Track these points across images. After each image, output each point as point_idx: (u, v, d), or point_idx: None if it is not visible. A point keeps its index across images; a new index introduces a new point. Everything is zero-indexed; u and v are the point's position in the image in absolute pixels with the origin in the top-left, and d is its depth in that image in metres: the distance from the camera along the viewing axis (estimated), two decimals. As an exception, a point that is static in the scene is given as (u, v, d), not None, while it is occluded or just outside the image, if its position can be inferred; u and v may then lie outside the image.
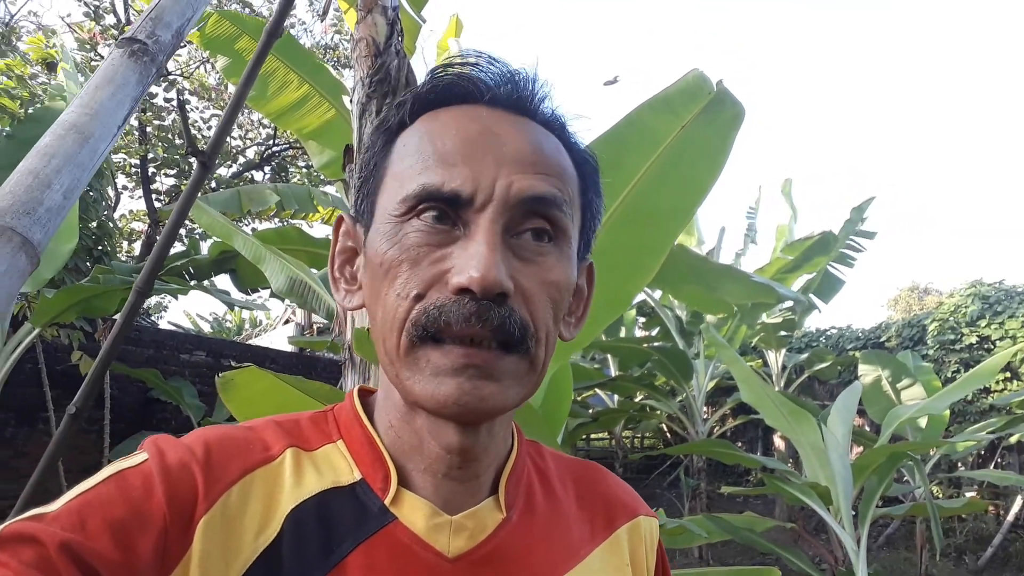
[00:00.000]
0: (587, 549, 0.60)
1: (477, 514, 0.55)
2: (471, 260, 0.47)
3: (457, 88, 0.54)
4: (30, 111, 4.59)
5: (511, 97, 0.54)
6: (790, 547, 3.66)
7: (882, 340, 8.82)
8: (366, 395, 0.61)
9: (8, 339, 4.50)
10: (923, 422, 5.33)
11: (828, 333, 9.94)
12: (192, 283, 4.90)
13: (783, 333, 8.03)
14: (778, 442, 9.87)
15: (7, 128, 4.54)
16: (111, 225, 5.85)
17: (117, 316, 1.84)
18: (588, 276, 0.63)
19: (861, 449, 6.59)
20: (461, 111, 0.54)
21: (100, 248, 5.46)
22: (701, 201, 1.82)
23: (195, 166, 1.81)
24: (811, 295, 7.25)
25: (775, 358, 8.50)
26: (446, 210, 0.50)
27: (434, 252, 0.50)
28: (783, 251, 6.97)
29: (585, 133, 0.59)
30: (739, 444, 10.42)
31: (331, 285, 0.61)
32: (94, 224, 5.41)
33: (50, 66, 6.40)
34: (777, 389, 8.12)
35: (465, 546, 0.53)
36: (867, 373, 5.94)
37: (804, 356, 8.62)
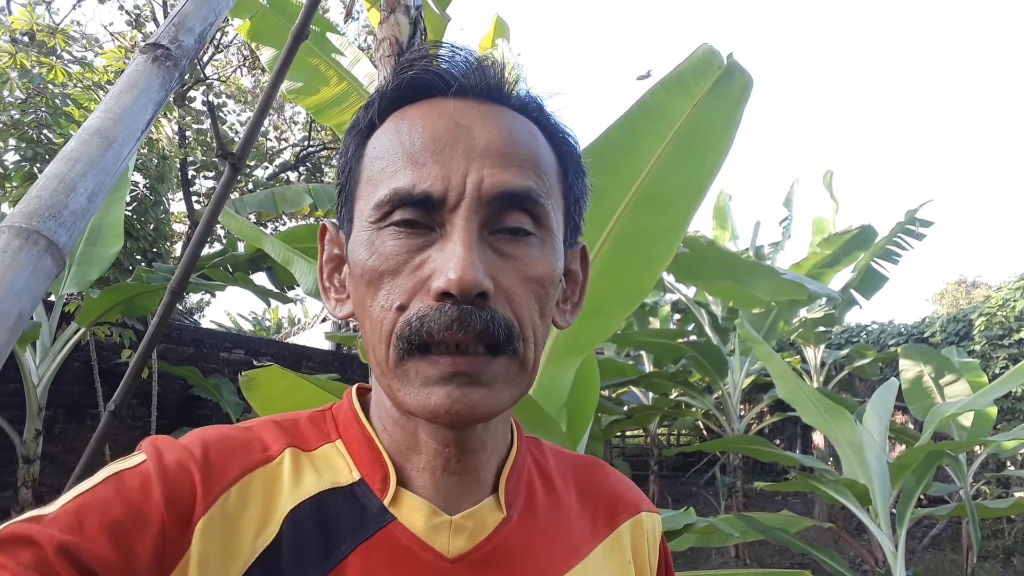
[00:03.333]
0: (589, 547, 0.59)
1: (477, 514, 0.54)
2: (448, 262, 0.46)
3: (422, 82, 0.52)
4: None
5: (479, 85, 0.52)
6: (827, 548, 3.58)
7: (926, 335, 8.58)
8: (364, 393, 0.60)
9: (56, 338, 4.67)
10: (968, 419, 5.16)
11: (869, 328, 9.71)
12: (235, 274, 4.98)
13: (822, 329, 7.86)
14: (817, 440, 9.68)
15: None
16: (167, 228, 6.02)
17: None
18: (582, 260, 0.61)
19: (904, 448, 6.42)
20: (428, 106, 0.52)
21: (155, 250, 5.63)
22: (712, 180, 1.76)
23: (225, 167, 1.85)
24: (852, 291, 7.09)
25: (814, 354, 8.33)
26: (420, 212, 0.49)
27: (413, 259, 0.49)
28: (820, 245, 6.83)
29: (564, 111, 0.57)
30: (777, 442, 10.24)
31: (322, 295, 0.59)
32: (152, 227, 5.58)
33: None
34: (815, 386, 7.97)
35: (465, 546, 0.52)
36: (908, 368, 5.77)
37: (844, 352, 8.43)
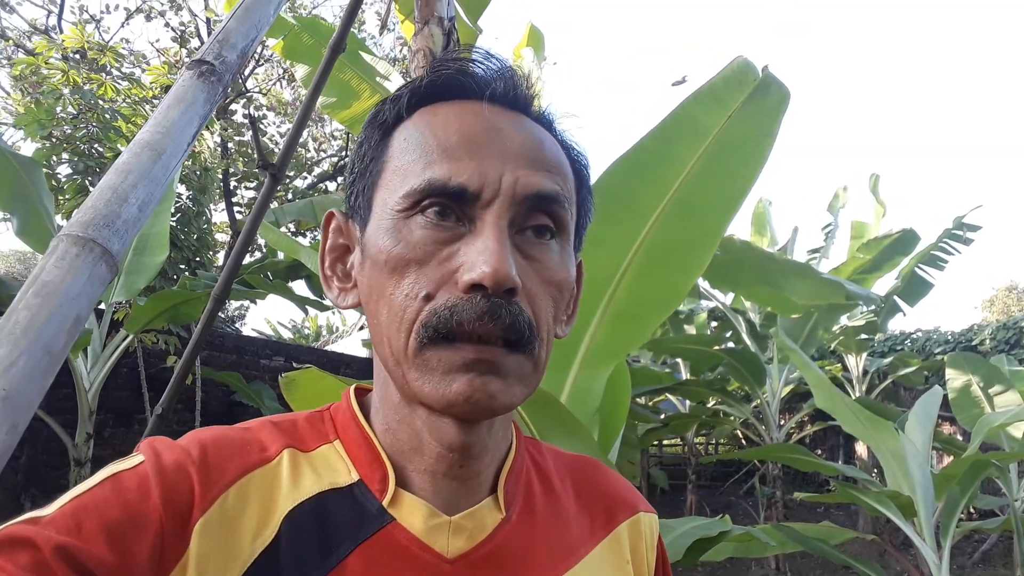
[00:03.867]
0: (587, 547, 0.60)
1: (476, 514, 0.54)
2: (481, 255, 0.47)
3: (456, 83, 0.54)
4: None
5: (508, 94, 0.54)
6: (871, 561, 3.50)
7: (974, 343, 8.31)
8: (362, 393, 0.60)
9: (106, 344, 4.84)
10: (1019, 430, 4.97)
11: (914, 336, 9.46)
12: (273, 281, 5.09)
13: (864, 336, 7.67)
14: (860, 450, 9.43)
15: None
16: (209, 238, 6.19)
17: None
18: (578, 273, 0.62)
19: (952, 459, 6.21)
20: (461, 106, 0.53)
21: (198, 259, 5.80)
22: (748, 191, 1.75)
23: (266, 178, 1.91)
24: (895, 297, 6.92)
25: (855, 362, 8.13)
26: (451, 205, 0.49)
27: (441, 250, 0.49)
28: (860, 250, 6.68)
29: (576, 132, 0.59)
30: (819, 452, 10.02)
31: (323, 284, 0.59)
32: (195, 236, 5.76)
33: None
34: (857, 395, 7.79)
35: (464, 547, 0.53)
36: (955, 377, 5.59)
37: (887, 360, 8.21)
